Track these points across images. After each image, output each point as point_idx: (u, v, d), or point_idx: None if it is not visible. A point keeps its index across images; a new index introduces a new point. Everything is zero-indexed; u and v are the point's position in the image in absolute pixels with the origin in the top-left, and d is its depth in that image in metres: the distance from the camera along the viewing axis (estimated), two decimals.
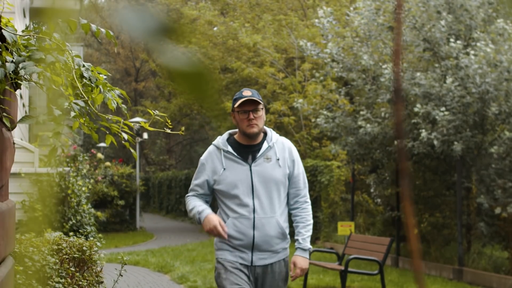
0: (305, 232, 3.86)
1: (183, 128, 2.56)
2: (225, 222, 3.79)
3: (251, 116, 3.76)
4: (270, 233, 3.75)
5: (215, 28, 19.52)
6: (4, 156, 2.41)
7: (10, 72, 2.17)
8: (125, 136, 2.37)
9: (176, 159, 36.13)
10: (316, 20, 13.11)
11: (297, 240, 3.86)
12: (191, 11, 19.77)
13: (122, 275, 4.48)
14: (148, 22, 0.73)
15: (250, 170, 3.78)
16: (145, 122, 2.56)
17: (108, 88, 2.42)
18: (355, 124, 12.07)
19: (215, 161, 3.86)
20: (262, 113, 3.82)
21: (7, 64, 2.17)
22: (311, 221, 3.92)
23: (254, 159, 3.82)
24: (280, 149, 3.87)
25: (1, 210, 2.35)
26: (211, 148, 3.95)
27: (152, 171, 34.78)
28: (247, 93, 3.83)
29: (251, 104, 3.78)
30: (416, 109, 10.18)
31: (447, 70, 10.52)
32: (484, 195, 10.24)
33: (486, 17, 10.80)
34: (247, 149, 3.85)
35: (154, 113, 2.43)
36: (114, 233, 18.89)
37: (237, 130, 3.95)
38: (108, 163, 19.78)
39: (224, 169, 3.80)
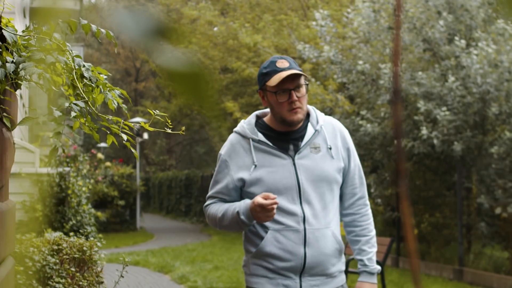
0: (370, 249, 2.82)
1: (183, 128, 2.44)
2: (262, 237, 2.71)
3: (294, 97, 2.65)
4: (325, 250, 2.70)
5: (215, 29, 19.52)
6: (4, 156, 2.42)
7: (11, 73, 2.17)
8: (125, 137, 2.37)
9: (176, 159, 36.13)
10: (314, 23, 13.10)
11: (361, 261, 2.81)
12: (191, 11, 19.77)
13: (123, 276, 4.48)
14: (145, 23, 0.74)
15: (294, 164, 2.70)
16: (145, 123, 2.52)
17: (109, 88, 2.42)
18: (352, 126, 12.06)
19: (241, 155, 2.75)
20: (305, 90, 2.70)
21: (7, 64, 2.17)
22: (374, 232, 2.86)
23: (297, 149, 2.73)
24: (330, 134, 2.78)
25: (1, 210, 2.36)
26: (233, 137, 2.80)
27: (152, 171, 34.80)
28: (283, 63, 2.67)
29: (293, 80, 2.65)
30: (418, 105, 10.17)
31: (447, 70, 10.53)
32: (484, 195, 10.24)
33: (486, 17, 10.80)
34: (285, 136, 2.75)
35: (154, 113, 2.42)
36: (114, 233, 18.90)
37: (266, 110, 2.86)
38: (108, 163, 19.79)
39: (256, 166, 2.70)
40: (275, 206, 2.56)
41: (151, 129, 2.44)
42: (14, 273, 3.00)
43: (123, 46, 32.07)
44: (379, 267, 2.84)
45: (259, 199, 2.56)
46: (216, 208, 2.76)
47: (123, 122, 2.38)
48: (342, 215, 2.88)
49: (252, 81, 18.51)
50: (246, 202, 2.64)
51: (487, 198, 10.18)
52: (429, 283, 9.83)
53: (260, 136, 2.74)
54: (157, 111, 2.46)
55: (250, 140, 2.74)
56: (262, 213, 2.56)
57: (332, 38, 12.66)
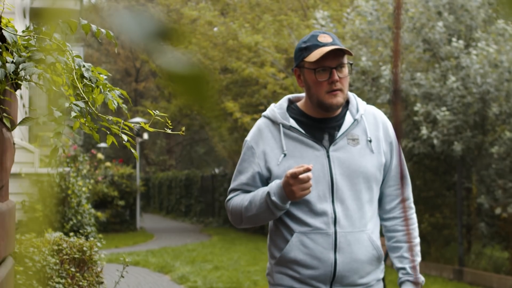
0: (414, 258, 2.55)
1: (183, 128, 2.41)
2: (287, 241, 2.39)
3: (335, 77, 2.33)
4: (359, 256, 2.39)
5: (215, 29, 19.53)
6: (4, 156, 2.42)
7: (11, 73, 2.17)
8: (125, 137, 2.37)
9: (176, 159, 36.13)
10: (314, 21, 13.11)
11: (404, 269, 2.56)
12: (191, 11, 19.77)
13: (123, 276, 4.48)
14: (146, 24, 0.74)
15: (328, 157, 2.38)
16: (145, 123, 2.50)
17: (109, 89, 2.42)
18: None
19: (269, 141, 2.43)
20: (348, 70, 2.38)
21: (7, 64, 2.17)
22: (418, 239, 2.58)
23: (332, 140, 2.41)
24: (371, 125, 2.44)
25: (1, 211, 2.35)
26: (261, 122, 2.49)
27: (152, 171, 34.80)
28: (325, 38, 2.35)
29: (335, 57, 2.34)
30: (416, 108, 10.18)
31: (447, 70, 10.53)
32: (484, 196, 10.25)
33: (486, 17, 10.81)
34: (320, 124, 2.43)
35: (154, 113, 2.42)
36: (114, 233, 18.91)
37: (300, 95, 2.55)
38: (108, 164, 19.80)
39: (285, 155, 2.39)
40: (310, 175, 2.24)
41: (151, 129, 2.44)
42: (14, 273, 3.00)
43: (123, 46, 32.07)
44: (423, 278, 2.54)
45: (288, 178, 2.25)
46: (241, 198, 2.43)
47: (123, 123, 2.38)
48: (382, 219, 2.54)
49: (252, 81, 18.51)
50: (277, 181, 2.32)
51: (487, 198, 10.18)
52: (429, 283, 9.83)
53: (292, 122, 2.43)
54: (157, 111, 2.45)
55: (281, 125, 2.43)
56: (296, 186, 2.23)
57: None
